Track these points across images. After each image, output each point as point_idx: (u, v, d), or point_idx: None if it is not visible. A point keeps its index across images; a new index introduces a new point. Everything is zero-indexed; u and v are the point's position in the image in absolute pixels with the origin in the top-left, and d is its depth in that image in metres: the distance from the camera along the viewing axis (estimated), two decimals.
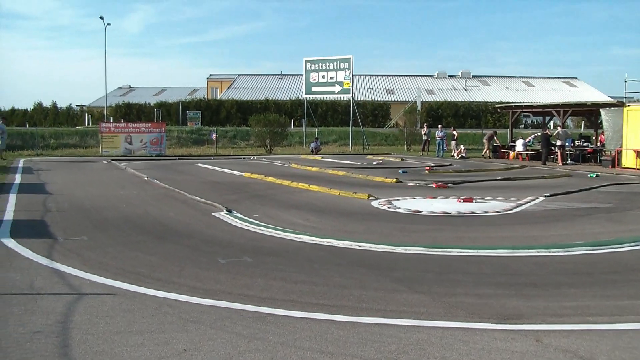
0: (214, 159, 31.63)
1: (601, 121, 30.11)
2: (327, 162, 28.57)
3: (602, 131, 30.36)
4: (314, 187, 16.97)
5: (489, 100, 62.30)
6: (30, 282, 6.98)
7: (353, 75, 41.79)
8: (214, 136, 39.57)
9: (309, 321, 5.75)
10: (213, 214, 12.36)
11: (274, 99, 62.36)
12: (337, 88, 41.68)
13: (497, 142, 34.63)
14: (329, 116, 58.77)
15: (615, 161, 26.92)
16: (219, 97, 67.85)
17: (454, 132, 36.54)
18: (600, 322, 5.80)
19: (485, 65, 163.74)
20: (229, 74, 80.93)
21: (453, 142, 35.83)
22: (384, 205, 13.90)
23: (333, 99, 52.66)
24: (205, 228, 10.93)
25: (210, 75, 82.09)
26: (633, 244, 9.58)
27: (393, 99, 66.69)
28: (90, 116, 63.12)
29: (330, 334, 5.38)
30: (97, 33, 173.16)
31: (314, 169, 24.39)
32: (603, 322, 5.82)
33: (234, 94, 67.13)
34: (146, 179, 19.53)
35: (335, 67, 41.64)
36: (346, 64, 41.07)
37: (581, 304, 6.42)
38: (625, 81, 27.47)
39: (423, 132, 37.67)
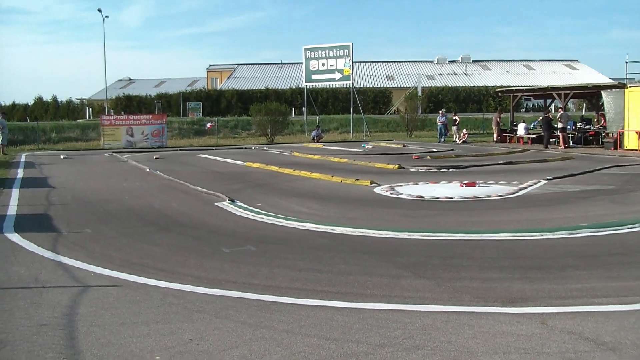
0: (215, 149, 31.63)
1: (602, 103, 29.99)
2: (329, 150, 28.56)
3: (603, 113, 30.26)
4: (316, 175, 16.97)
5: (489, 85, 62.02)
6: (35, 276, 7.00)
7: (353, 62, 41.67)
8: (208, 125, 39.45)
9: (314, 308, 5.76)
10: (216, 203, 12.37)
11: (274, 87, 62.18)
12: (337, 75, 41.57)
13: (499, 119, 34.44)
14: (330, 104, 58.61)
15: (617, 143, 26.86)
16: (219, 88, 67.64)
17: (455, 117, 36.39)
18: (605, 304, 5.79)
19: (485, 50, 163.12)
20: (228, 64, 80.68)
21: (454, 127, 35.70)
22: (386, 191, 13.90)
23: (333, 86, 52.50)
24: (209, 218, 10.94)
25: (210, 65, 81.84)
26: (637, 225, 9.55)
27: (394, 85, 66.43)
28: (90, 109, 63.04)
29: (336, 321, 5.39)
30: (97, 26, 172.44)
31: (316, 156, 24.39)
32: (608, 303, 5.82)
33: (234, 84, 66.90)
34: (148, 170, 19.54)
35: (335, 55, 41.51)
36: (346, 51, 40.93)
37: (586, 285, 6.42)
38: (626, 62, 27.55)
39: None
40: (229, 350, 4.74)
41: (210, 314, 5.62)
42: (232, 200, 12.47)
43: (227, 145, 34.81)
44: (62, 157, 21.51)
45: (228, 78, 72.83)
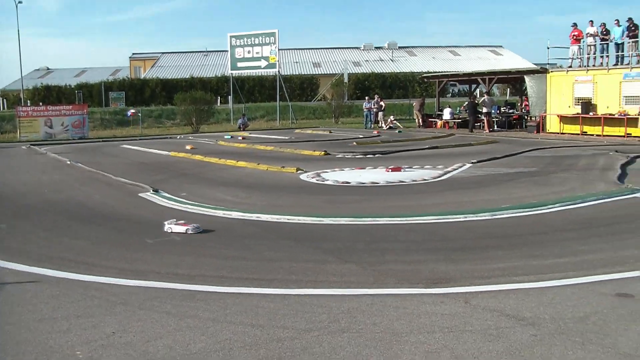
0: (139, 139, 30.91)
1: (525, 88, 30.91)
2: (255, 138, 28.40)
3: (527, 97, 31.19)
4: (242, 163, 16.85)
5: (415, 71, 62.77)
6: None
7: (279, 49, 41.45)
8: (130, 113, 38.18)
9: (239, 296, 5.74)
10: (140, 194, 12.09)
11: (199, 76, 61.18)
12: (263, 63, 41.26)
13: (423, 104, 35.06)
14: (256, 92, 58.21)
15: (540, 126, 27.79)
16: (142, 77, 66.16)
17: (382, 103, 36.71)
18: (525, 282, 6.00)
19: (413, 37, 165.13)
20: (153, 53, 78.84)
21: (381, 113, 35.99)
22: (312, 178, 13.95)
23: (260, 74, 52.12)
24: (132, 209, 10.71)
25: (133, 54, 79.74)
26: (557, 205, 9.95)
27: (320, 72, 66.47)
28: (5, 100, 60.41)
29: (262, 308, 5.38)
30: (11, 12, 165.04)
31: (242, 145, 24.20)
32: (529, 281, 6.03)
33: (158, 73, 65.50)
34: (69, 162, 18.92)
35: (260, 42, 41.16)
36: (272, 38, 40.66)
37: (508, 265, 6.63)
38: (548, 48, 28.09)
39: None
40: (153, 341, 4.66)
41: (133, 305, 5.50)
42: (156, 191, 12.23)
43: (152, 135, 33.99)
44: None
45: (152, 67, 71.23)
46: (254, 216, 9.54)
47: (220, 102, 50.40)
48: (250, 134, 32.27)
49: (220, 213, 9.91)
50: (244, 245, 7.80)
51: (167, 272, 6.57)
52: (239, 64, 42.54)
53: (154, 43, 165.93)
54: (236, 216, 9.62)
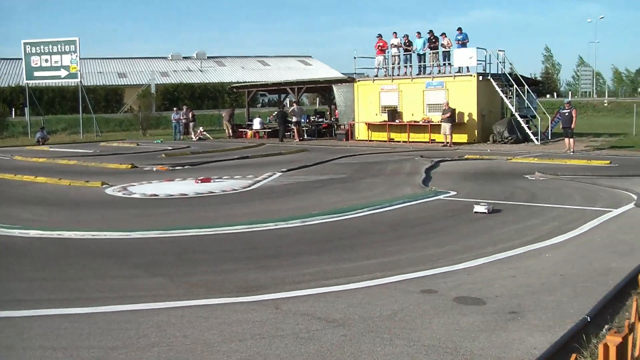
0: None
1: (334, 97, 32.13)
2: (57, 152, 26.77)
3: (336, 106, 32.42)
4: (41, 179, 15.74)
5: (225, 81, 62.83)
6: None
7: (80, 58, 39.51)
8: None
9: (38, 319, 5.36)
10: None
11: None
12: (64, 73, 39.09)
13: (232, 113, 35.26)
14: (57, 103, 55.00)
15: (349, 134, 29.07)
16: None
17: (191, 114, 36.32)
18: (335, 285, 6.22)
19: (221, 47, 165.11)
20: None
21: (191, 124, 35.57)
22: (119, 192, 13.43)
23: (60, 84, 49.29)
24: None
25: None
26: (366, 209, 10.43)
27: (126, 83, 64.38)
28: None
29: (64, 329, 5.09)
30: None
31: (42, 159, 22.66)
32: (338, 283, 6.25)
33: None
34: None
35: (60, 50, 38.93)
36: (72, 46, 38.62)
37: (318, 269, 6.84)
38: (355, 58, 29.44)
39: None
40: None
41: None
42: None
43: None
44: None
45: None
46: (55, 234, 8.97)
47: (16, 114, 47.00)
48: (50, 148, 30.35)
49: (16, 232, 9.16)
50: (44, 264, 7.33)
51: None
52: (36, 74, 39.89)
53: None
54: (35, 234, 8.98)
